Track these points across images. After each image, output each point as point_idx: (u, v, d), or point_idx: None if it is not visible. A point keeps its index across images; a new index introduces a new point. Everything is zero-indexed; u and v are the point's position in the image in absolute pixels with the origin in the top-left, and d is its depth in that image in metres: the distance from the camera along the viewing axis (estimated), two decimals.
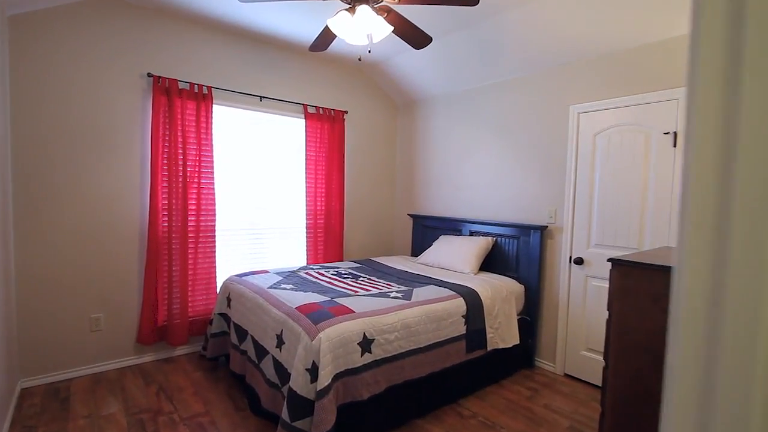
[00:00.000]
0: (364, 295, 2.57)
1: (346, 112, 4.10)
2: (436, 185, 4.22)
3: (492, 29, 3.05)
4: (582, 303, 3.04)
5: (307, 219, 3.88)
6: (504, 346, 2.91)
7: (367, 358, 2.11)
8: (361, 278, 3.14)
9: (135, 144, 3.01)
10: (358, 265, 3.70)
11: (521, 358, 3.23)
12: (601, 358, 2.92)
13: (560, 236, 3.16)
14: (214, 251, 3.32)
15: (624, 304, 1.64)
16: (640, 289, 1.58)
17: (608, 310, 1.71)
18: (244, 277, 2.97)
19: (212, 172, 3.27)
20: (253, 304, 2.57)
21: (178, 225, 3.14)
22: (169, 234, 3.10)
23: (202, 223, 3.25)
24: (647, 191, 2.68)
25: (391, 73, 4.16)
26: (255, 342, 2.46)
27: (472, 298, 2.77)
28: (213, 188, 3.28)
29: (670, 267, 1.48)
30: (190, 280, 3.23)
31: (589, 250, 2.99)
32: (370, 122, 4.43)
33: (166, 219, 3.10)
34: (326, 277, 3.11)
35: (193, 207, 3.22)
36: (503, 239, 3.50)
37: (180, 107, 3.12)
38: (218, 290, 3.28)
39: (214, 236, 3.31)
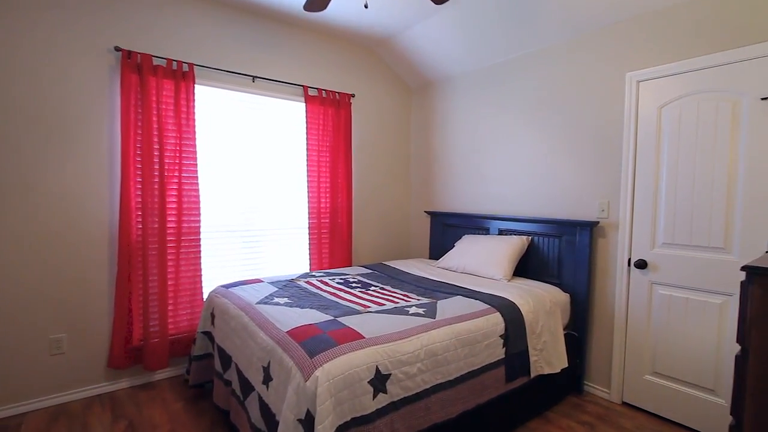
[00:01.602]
0: (376, 312, 2.04)
1: (353, 96, 3.58)
2: (458, 178, 3.67)
3: None
4: (646, 316, 2.46)
5: (309, 218, 3.37)
6: (551, 372, 2.35)
7: (382, 400, 1.58)
8: (373, 287, 2.61)
9: (101, 131, 2.53)
10: (369, 271, 3.17)
11: (568, 382, 2.66)
12: (675, 385, 2.34)
13: (615, 234, 2.58)
14: (200, 257, 2.82)
15: None
16: None
17: (740, 342, 1.15)
18: (231, 289, 2.46)
19: (195, 165, 2.78)
20: (237, 323, 2.06)
21: (156, 227, 2.66)
22: (145, 237, 2.61)
23: (184, 224, 2.76)
24: (736, 175, 2.09)
25: (403, 50, 3.62)
26: (239, 373, 1.95)
27: (510, 313, 2.22)
28: (197, 183, 2.79)
29: None
30: (171, 291, 2.74)
31: (655, 250, 2.41)
32: (380, 107, 3.89)
33: (141, 220, 2.61)
34: (330, 286, 2.58)
35: (173, 205, 2.72)
36: (541, 238, 2.93)
37: (155, 88, 2.63)
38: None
39: (199, 239, 2.82)
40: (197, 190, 2.79)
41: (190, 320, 2.81)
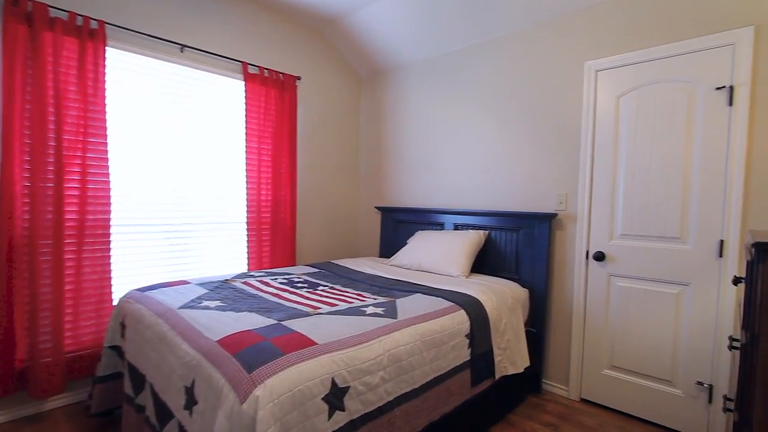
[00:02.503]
0: (328, 313, 1.75)
1: (299, 79, 3.25)
2: (411, 171, 3.48)
3: None
4: (604, 309, 2.41)
5: (248, 212, 2.97)
6: (514, 372, 2.21)
7: (339, 419, 1.29)
8: (321, 287, 2.31)
9: None
10: (316, 270, 2.85)
11: (527, 381, 2.55)
12: (633, 378, 2.30)
13: (573, 226, 2.52)
14: (109, 256, 2.33)
15: None
16: None
17: (747, 329, 1.03)
18: (148, 292, 2.02)
19: (105, 144, 2.30)
20: (154, 334, 1.65)
21: (49, 218, 2.14)
22: (33, 231, 2.08)
23: (89, 216, 2.26)
24: (691, 164, 2.10)
25: (353, 32, 3.37)
26: (155, 396, 1.55)
27: (475, 310, 2.04)
28: (107, 166, 2.31)
29: None
30: (70, 299, 2.22)
31: (613, 242, 2.37)
32: (328, 94, 3.60)
33: (28, 209, 2.08)
34: (272, 287, 2.24)
35: (75, 193, 2.22)
36: (498, 232, 2.82)
37: (52, 46, 2.12)
38: None
39: (109, 235, 2.33)
40: (107, 175, 2.31)
41: (95, 333, 2.30)
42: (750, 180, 1.93)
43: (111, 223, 2.34)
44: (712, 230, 2.04)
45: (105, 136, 2.29)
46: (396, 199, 3.60)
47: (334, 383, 1.29)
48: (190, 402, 1.32)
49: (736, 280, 1.29)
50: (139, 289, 2.09)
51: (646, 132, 2.23)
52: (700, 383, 2.07)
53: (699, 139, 2.07)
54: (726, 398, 1.36)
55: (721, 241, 2.01)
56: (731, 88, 1.96)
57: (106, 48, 2.33)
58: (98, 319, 2.31)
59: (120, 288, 2.42)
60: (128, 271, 2.50)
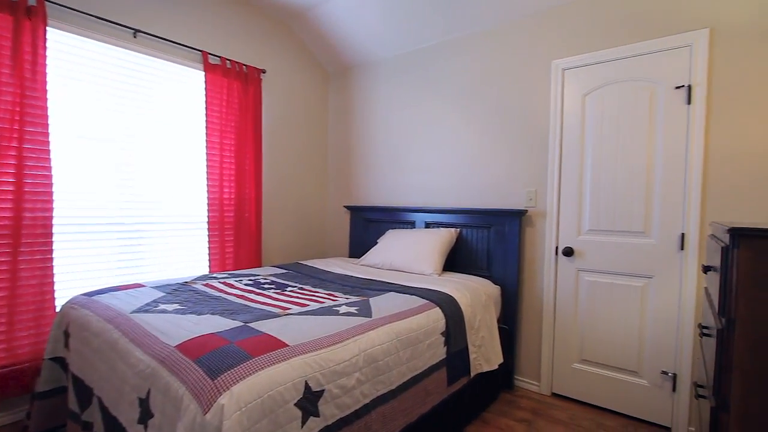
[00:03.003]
0: (299, 314, 1.64)
1: (264, 72, 3.12)
2: (381, 169, 3.42)
3: None
4: (573, 304, 2.45)
5: (209, 210, 2.80)
6: (489, 369, 2.19)
7: (313, 426, 1.20)
8: (290, 287, 2.19)
9: None
10: (284, 270, 2.73)
11: (500, 378, 2.54)
12: (601, 371, 2.34)
13: (543, 223, 2.55)
14: (51, 258, 2.11)
15: (763, 304, 0.98)
16: None
17: (724, 315, 1.04)
18: (96, 297, 1.83)
19: (46, 134, 2.08)
20: (102, 342, 1.48)
21: None
22: None
23: (26, 214, 2.03)
24: (654, 160, 2.17)
25: (321, 27, 3.28)
26: (104, 411, 1.39)
27: (450, 307, 2.00)
28: (48, 159, 2.09)
29: None
30: (3, 306, 1.98)
31: (581, 237, 2.42)
32: (295, 89, 3.48)
33: None
34: (237, 288, 2.10)
35: (9, 188, 1.99)
36: (470, 230, 2.81)
37: None
38: None
39: (51, 235, 2.10)
40: (49, 169, 2.09)
41: (33, 345, 2.07)
42: (708, 175, 2.01)
43: (53, 222, 2.12)
44: (673, 224, 2.11)
45: (46, 125, 2.07)
46: (365, 197, 3.53)
47: (307, 387, 1.20)
48: (145, 415, 1.18)
49: (706, 269, 1.32)
50: (86, 294, 1.89)
51: (611, 130, 2.29)
52: (664, 372, 2.13)
53: (660, 136, 2.14)
54: (697, 385, 1.39)
55: (682, 234, 2.09)
56: (689, 87, 2.05)
57: (47, 28, 2.11)
58: (38, 329, 2.08)
59: (64, 294, 2.19)
60: (74, 275, 2.27)
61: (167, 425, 1.11)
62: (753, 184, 1.91)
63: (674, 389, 2.11)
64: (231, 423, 0.99)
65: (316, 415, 1.21)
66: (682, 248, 2.09)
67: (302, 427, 1.16)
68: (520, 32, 2.62)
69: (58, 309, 2.11)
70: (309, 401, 1.19)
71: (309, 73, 3.61)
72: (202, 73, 2.80)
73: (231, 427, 0.99)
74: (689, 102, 2.05)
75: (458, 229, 2.84)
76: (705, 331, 1.38)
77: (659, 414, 2.16)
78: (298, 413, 1.16)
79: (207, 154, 2.77)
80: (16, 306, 2.02)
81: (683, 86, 2.06)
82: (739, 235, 0.99)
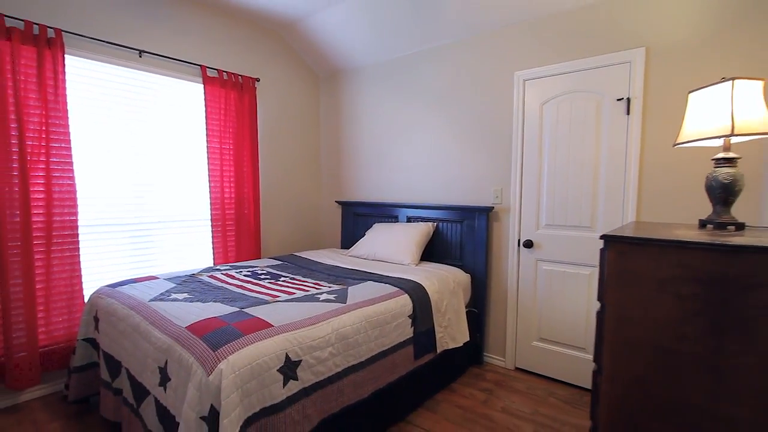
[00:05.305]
0: (285, 301, 1.99)
1: (258, 80, 3.41)
2: (368, 167, 3.73)
3: None
4: (532, 289, 2.78)
5: (212, 209, 3.14)
6: (455, 346, 2.54)
7: (293, 387, 1.55)
8: (283, 278, 2.54)
9: None
10: (279, 262, 3.08)
11: (470, 355, 2.90)
12: (556, 347, 2.69)
13: (507, 218, 2.86)
14: (78, 255, 2.47)
15: (623, 292, 1.29)
16: (645, 272, 1.24)
17: (600, 300, 1.37)
18: (119, 288, 2.20)
19: (69, 149, 2.41)
20: (127, 325, 1.85)
21: (17, 222, 2.25)
22: (0, 234, 2.19)
23: (56, 218, 2.38)
24: (599, 164, 2.46)
25: (310, 36, 3.55)
26: (132, 378, 1.76)
27: (418, 294, 2.34)
28: (71, 171, 2.42)
29: (687, 243, 1.15)
30: (41, 297, 2.35)
31: (539, 231, 2.73)
32: (287, 95, 3.77)
33: None
34: (237, 279, 2.45)
35: (41, 196, 2.33)
36: (445, 224, 3.13)
37: (10, 55, 2.21)
38: None
39: (77, 235, 2.46)
40: (72, 179, 2.43)
41: (67, 328, 2.45)
42: (642, 178, 2.30)
43: (78, 223, 2.47)
44: (614, 220, 2.42)
45: (68, 141, 2.41)
46: (355, 193, 3.85)
47: (287, 357, 1.55)
48: (164, 379, 1.54)
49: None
50: (109, 285, 2.26)
51: (564, 136, 2.58)
52: None
53: (605, 143, 2.43)
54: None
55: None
56: (628, 99, 2.32)
57: (65, 56, 2.42)
58: (70, 315, 2.45)
59: (90, 285, 2.56)
60: (98, 269, 2.64)
61: (181, 386, 1.46)
62: (678, 188, 2.20)
63: None
64: (227, 382, 1.34)
65: (296, 379, 1.56)
66: None
67: (284, 387, 1.51)
68: (487, 45, 2.88)
69: (86, 298, 2.49)
70: (289, 368, 1.55)
71: (300, 77, 3.89)
72: (202, 86, 3.10)
73: (227, 384, 1.34)
74: (628, 113, 2.33)
75: (435, 223, 3.16)
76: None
77: None
78: (280, 377, 1.51)
79: (208, 158, 3.10)
80: (52, 296, 2.39)
81: (623, 98, 2.34)
82: (607, 240, 1.31)
